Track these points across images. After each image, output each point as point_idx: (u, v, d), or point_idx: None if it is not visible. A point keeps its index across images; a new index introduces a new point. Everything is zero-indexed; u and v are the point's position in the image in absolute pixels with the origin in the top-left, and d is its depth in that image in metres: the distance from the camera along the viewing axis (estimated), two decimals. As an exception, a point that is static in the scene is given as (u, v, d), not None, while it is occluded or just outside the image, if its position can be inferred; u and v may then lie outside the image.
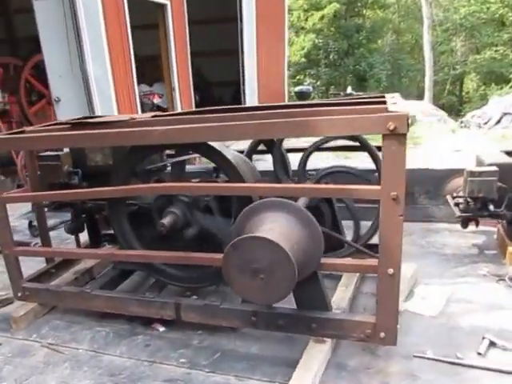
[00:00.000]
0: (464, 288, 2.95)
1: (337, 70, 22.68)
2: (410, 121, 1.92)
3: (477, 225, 3.37)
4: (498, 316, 2.63)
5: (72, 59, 5.87)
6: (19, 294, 3.03)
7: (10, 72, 8.49)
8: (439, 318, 2.67)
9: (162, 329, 2.82)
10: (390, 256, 2.09)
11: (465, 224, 3.38)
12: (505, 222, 3.31)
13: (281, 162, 3.06)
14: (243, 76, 10.11)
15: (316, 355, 2.29)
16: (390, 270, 2.10)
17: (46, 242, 3.22)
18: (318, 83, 22.88)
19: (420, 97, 20.16)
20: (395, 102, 2.17)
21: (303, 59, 22.97)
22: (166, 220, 2.50)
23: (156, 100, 10.52)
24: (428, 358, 2.33)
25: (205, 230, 2.65)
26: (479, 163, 3.28)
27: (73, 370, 2.51)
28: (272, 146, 3.13)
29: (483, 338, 2.39)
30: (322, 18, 22.87)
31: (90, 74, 5.91)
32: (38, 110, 8.04)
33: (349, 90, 11.79)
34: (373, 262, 2.19)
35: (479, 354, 2.30)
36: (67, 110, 6.13)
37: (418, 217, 3.99)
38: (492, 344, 2.36)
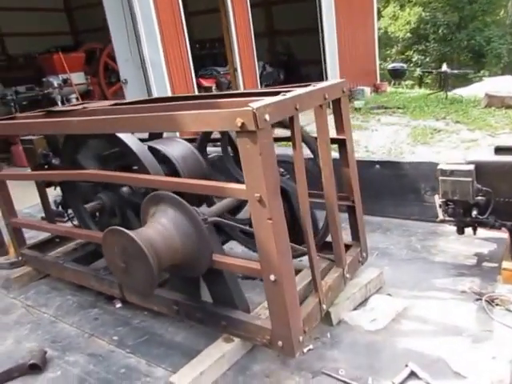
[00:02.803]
0: (428, 304, 2.54)
1: (448, 46, 20.36)
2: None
3: (474, 231, 2.85)
4: (447, 342, 2.22)
5: (131, 45, 6.30)
6: (19, 259, 3.48)
7: (96, 56, 9.35)
8: (377, 335, 2.36)
9: (118, 305, 3.00)
10: (269, 261, 1.91)
11: (460, 230, 2.88)
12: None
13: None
14: (324, 54, 9.76)
15: (213, 354, 2.23)
16: (272, 277, 1.93)
17: (47, 215, 3.61)
18: (428, 59, 20.81)
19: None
20: (285, 94, 1.92)
21: (408, 34, 21.05)
22: (89, 205, 2.63)
23: (232, 79, 10.71)
24: (335, 378, 2.11)
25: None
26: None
27: (30, 332, 2.84)
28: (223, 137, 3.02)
29: (406, 366, 2.07)
30: (430, -12, 20.81)
31: (146, 58, 6.30)
32: (117, 91, 8.80)
33: (444, 67, 10.53)
34: (256, 265, 2.02)
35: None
36: (133, 91, 6.69)
37: (426, 216, 3.49)
38: (413, 375, 2.03)
